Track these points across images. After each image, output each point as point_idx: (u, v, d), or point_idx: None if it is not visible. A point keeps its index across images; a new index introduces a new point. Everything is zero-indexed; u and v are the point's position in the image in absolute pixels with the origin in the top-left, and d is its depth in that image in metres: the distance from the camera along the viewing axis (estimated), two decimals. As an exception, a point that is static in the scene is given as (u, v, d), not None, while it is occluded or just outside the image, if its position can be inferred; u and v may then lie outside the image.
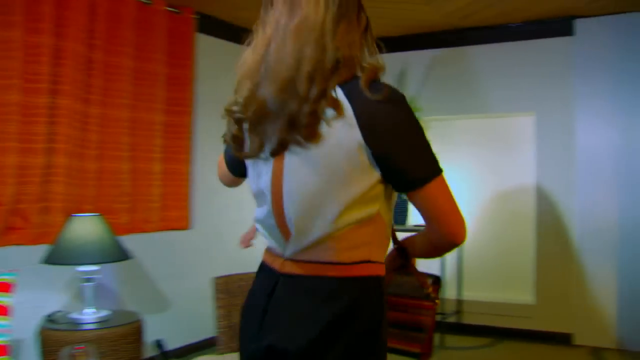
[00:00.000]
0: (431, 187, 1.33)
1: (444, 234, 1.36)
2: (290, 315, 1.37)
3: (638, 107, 4.85)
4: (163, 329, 4.47)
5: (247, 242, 3.94)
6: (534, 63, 5.27)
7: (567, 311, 5.12)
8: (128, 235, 4.24)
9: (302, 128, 1.30)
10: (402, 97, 1.34)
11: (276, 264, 1.44)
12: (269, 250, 1.50)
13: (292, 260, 1.40)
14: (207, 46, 5.03)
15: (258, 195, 1.46)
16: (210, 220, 5.04)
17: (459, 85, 5.49)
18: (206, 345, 4.79)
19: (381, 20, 5.23)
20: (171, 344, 4.57)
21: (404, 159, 1.31)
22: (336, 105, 1.30)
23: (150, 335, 4.13)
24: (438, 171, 1.34)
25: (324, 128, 1.30)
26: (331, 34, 1.33)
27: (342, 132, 1.30)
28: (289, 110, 1.30)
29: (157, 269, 4.52)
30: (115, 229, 3.93)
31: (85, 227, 3.46)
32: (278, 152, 1.35)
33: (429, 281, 1.60)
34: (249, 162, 1.47)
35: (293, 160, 1.35)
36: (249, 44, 1.43)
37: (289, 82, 1.30)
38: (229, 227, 5.16)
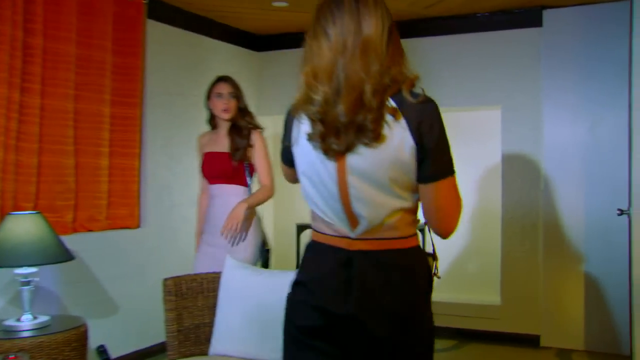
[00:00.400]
0: (439, 184, 1.72)
1: (432, 224, 1.79)
2: (373, 283, 1.73)
3: (606, 101, 4.88)
4: (109, 334, 4.35)
5: None
6: (500, 55, 5.26)
7: (533, 312, 5.13)
8: (72, 234, 4.15)
9: (369, 132, 1.65)
10: (434, 102, 1.72)
11: (343, 244, 1.77)
12: (323, 232, 1.82)
13: (362, 239, 1.75)
14: (158, 33, 4.91)
15: (320, 184, 1.77)
16: (161, 219, 4.92)
17: (423, 77, 5.43)
18: (156, 351, 4.69)
19: (343, 9, 5.16)
20: (118, 350, 4.44)
21: (433, 159, 1.69)
22: (394, 112, 1.67)
23: (96, 341, 4.00)
24: (451, 172, 1.74)
25: (385, 131, 1.66)
26: (385, 54, 1.70)
27: (399, 134, 1.66)
28: (357, 120, 1.66)
29: (103, 271, 4.39)
30: (58, 228, 3.83)
31: (23, 226, 3.33)
32: (344, 152, 1.70)
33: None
34: (298, 156, 1.80)
35: (356, 158, 1.69)
36: (306, 47, 1.76)
37: (358, 97, 1.66)
38: (181, 226, 5.05)
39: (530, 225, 5.16)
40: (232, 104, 3.73)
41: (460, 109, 5.42)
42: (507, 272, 5.25)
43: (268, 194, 3.78)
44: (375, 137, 1.66)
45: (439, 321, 5.98)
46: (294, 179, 1.95)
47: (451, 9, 5.15)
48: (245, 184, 3.78)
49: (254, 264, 3.63)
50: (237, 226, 3.56)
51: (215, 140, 3.79)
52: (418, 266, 1.79)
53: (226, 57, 5.76)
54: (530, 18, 5.12)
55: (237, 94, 3.77)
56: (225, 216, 3.65)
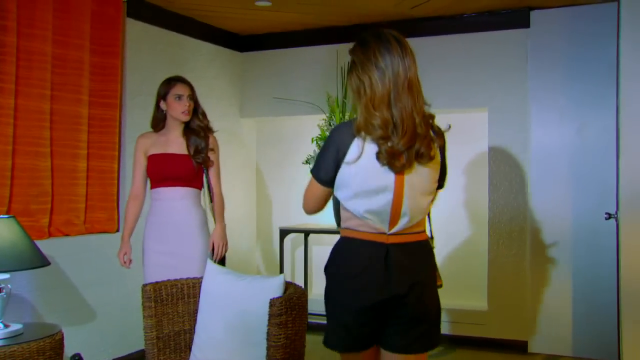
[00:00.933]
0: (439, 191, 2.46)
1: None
2: (406, 266, 2.29)
3: (594, 102, 4.88)
4: (86, 342, 4.29)
5: (128, 262, 3.81)
6: (487, 56, 5.25)
7: (521, 318, 5.12)
8: (47, 239, 4.09)
9: (425, 156, 2.22)
10: None
11: (381, 239, 2.28)
12: (361, 230, 2.30)
13: (397, 234, 2.29)
14: (137, 33, 4.86)
15: (370, 194, 2.23)
16: (140, 223, 4.83)
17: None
18: (135, 359, 4.63)
19: (330, 9, 5.14)
20: (95, 359, 4.37)
21: (444, 176, 2.43)
22: (434, 139, 2.26)
23: (72, 350, 3.93)
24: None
25: (432, 152, 2.25)
26: (420, 92, 2.25)
27: (437, 156, 2.29)
28: (415, 147, 2.19)
29: (80, 276, 4.31)
30: (33, 233, 3.78)
31: (-5, 231, 3.24)
32: (405, 169, 2.22)
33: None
34: (356, 170, 2.23)
35: (413, 174, 2.24)
36: (356, 75, 2.28)
37: (414, 130, 2.18)
38: (161, 230, 4.98)
39: (518, 229, 5.15)
40: (192, 106, 3.69)
41: (447, 110, 5.40)
42: (494, 277, 5.24)
43: (224, 202, 3.85)
44: (429, 158, 2.24)
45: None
46: (323, 201, 2.40)
47: (438, 9, 5.13)
48: (201, 187, 3.74)
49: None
50: (226, 247, 3.74)
51: (166, 142, 3.69)
52: (431, 251, 2.43)
53: (208, 58, 5.71)
54: (517, 19, 5.12)
55: (195, 96, 3.73)
56: (180, 220, 3.63)
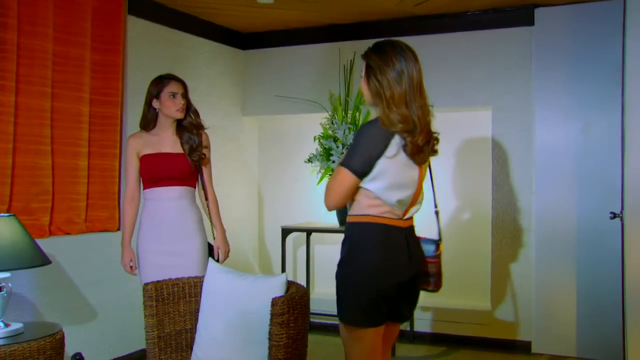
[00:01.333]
0: None
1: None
2: (416, 246, 2.73)
3: (598, 101, 4.86)
4: (87, 341, 4.29)
5: (134, 269, 3.79)
6: (491, 54, 5.24)
7: (525, 318, 5.12)
8: (48, 237, 4.10)
9: (434, 152, 2.67)
10: None
11: (399, 223, 2.63)
12: (386, 217, 2.60)
13: (407, 219, 2.67)
14: (139, 30, 4.85)
15: (402, 185, 2.59)
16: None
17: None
18: (136, 358, 4.63)
19: (332, 7, 5.13)
20: (96, 359, 4.38)
21: None
22: (435, 136, 2.69)
23: (72, 349, 3.93)
24: None
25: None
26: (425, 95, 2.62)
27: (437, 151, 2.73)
28: (431, 143, 2.61)
29: (81, 275, 4.31)
30: (33, 231, 3.79)
31: (-5, 229, 3.24)
32: (423, 162, 2.63)
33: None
34: (394, 164, 2.54)
35: (425, 166, 2.68)
36: (375, 75, 2.57)
37: (429, 128, 2.59)
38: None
39: (521, 228, 5.14)
40: (185, 104, 3.67)
41: (450, 109, 5.40)
42: (497, 277, 5.23)
43: (217, 201, 3.86)
44: (434, 152, 2.67)
45: (427, 327, 5.91)
46: (351, 193, 2.59)
47: (441, 7, 5.12)
48: (195, 185, 3.74)
49: (205, 264, 3.54)
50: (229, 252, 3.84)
51: (159, 142, 3.67)
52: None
53: (210, 55, 5.71)
54: (521, 16, 5.10)
55: (187, 94, 3.72)
56: (176, 219, 3.62)
